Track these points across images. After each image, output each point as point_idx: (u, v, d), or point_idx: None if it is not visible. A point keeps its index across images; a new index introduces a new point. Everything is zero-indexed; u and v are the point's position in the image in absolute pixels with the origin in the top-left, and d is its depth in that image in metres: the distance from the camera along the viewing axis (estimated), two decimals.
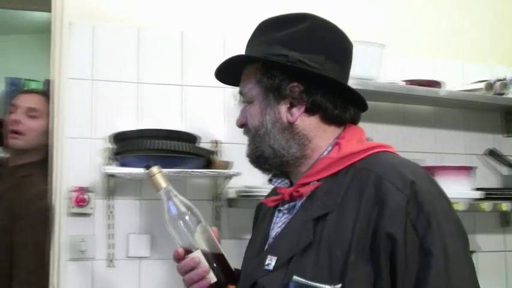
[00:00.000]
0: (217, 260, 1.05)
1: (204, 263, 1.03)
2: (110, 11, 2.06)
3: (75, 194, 1.92)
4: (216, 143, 2.07)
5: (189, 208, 1.06)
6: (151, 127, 1.97)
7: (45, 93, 2.11)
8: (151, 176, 1.07)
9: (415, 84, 2.14)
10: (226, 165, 1.90)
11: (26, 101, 2.04)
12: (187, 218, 1.05)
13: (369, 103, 2.04)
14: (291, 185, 1.06)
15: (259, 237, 1.08)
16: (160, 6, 2.13)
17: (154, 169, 1.06)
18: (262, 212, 1.16)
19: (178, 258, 1.06)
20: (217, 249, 1.07)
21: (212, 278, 1.03)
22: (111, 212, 1.98)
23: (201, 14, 2.16)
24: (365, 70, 1.97)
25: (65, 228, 1.92)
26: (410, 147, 2.31)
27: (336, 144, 1.01)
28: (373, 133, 2.22)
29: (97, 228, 1.97)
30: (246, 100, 1.07)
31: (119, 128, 1.95)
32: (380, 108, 2.31)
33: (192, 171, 1.83)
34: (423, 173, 0.96)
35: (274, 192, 1.14)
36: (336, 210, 0.92)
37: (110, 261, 1.96)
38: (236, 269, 1.11)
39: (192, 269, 1.03)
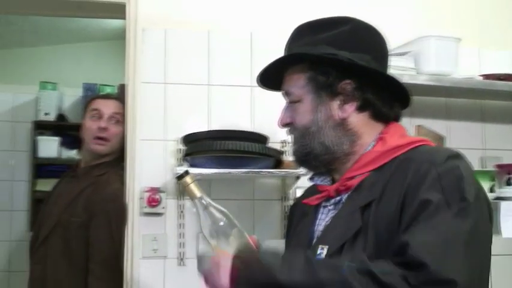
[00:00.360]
0: None
1: None
2: (181, 15, 2.13)
3: (147, 194, 1.99)
4: (285, 143, 2.07)
5: (224, 215, 1.08)
6: (221, 128, 2.01)
7: (119, 98, 2.21)
8: (185, 186, 1.08)
9: (493, 79, 2.05)
10: (295, 165, 1.89)
11: (109, 107, 2.14)
12: (222, 224, 1.06)
13: (445, 100, 1.99)
14: (333, 182, 1.09)
15: (302, 235, 1.11)
16: (230, 7, 2.17)
17: (188, 179, 1.08)
18: (301, 211, 1.18)
19: None
20: None
21: None
22: (181, 211, 2.03)
23: (270, 14, 2.18)
24: (440, 65, 1.92)
25: (137, 227, 2.00)
26: (489, 145, 2.23)
27: (380, 139, 1.05)
28: (450, 131, 2.17)
29: (168, 228, 2.03)
30: (293, 99, 1.09)
31: (190, 129, 2.00)
32: (456, 104, 2.23)
33: (261, 171, 1.84)
34: (463, 157, 1.00)
35: (312, 191, 1.16)
36: (380, 197, 0.96)
37: (181, 259, 2.02)
38: None
39: None
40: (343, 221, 1.00)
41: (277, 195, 2.10)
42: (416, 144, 1.03)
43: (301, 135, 1.08)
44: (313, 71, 1.05)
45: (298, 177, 1.92)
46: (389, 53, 1.11)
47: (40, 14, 2.72)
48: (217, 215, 1.06)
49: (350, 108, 1.04)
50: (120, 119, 2.12)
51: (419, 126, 1.96)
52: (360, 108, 1.04)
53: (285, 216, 2.07)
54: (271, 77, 1.15)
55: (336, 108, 1.04)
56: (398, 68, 1.87)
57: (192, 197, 1.08)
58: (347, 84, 1.03)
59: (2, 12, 2.64)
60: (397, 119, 1.11)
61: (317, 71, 1.05)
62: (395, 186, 0.95)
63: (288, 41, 1.13)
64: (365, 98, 1.04)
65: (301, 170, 1.87)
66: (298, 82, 1.07)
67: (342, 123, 1.04)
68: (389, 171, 0.98)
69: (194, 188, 1.08)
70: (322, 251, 0.99)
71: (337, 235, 0.99)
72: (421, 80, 1.91)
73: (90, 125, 2.11)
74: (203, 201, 1.07)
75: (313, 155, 1.06)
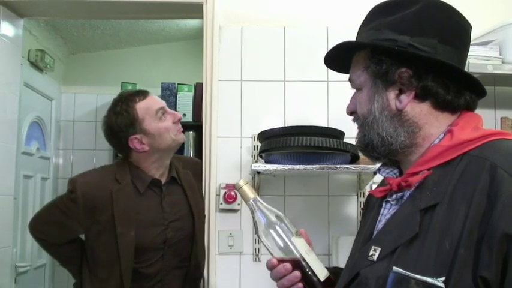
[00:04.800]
0: (310, 264, 1.10)
1: (296, 269, 1.08)
2: (257, 11, 2.24)
3: (224, 191, 2.10)
4: None
5: (278, 217, 1.12)
6: (297, 124, 2.08)
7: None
8: (238, 189, 1.14)
9: None
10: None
11: (160, 100, 2.03)
12: (277, 227, 1.09)
13: None
14: (401, 175, 1.06)
15: (366, 229, 1.08)
16: (305, 2, 2.25)
17: (241, 182, 1.14)
18: (371, 203, 1.15)
19: (272, 268, 1.11)
20: (310, 253, 1.10)
21: (307, 282, 1.09)
22: None
23: (345, 7, 2.24)
24: None
25: (214, 223, 2.11)
26: None
27: (449, 131, 0.98)
28: None
29: (244, 224, 2.13)
30: (355, 87, 1.10)
31: (266, 126, 2.09)
32: None
33: (336, 167, 1.88)
34: None
35: (384, 183, 1.14)
36: (447, 201, 0.89)
37: (256, 255, 2.10)
38: (336, 268, 1.16)
39: (284, 276, 1.08)
40: (400, 222, 0.95)
41: (353, 191, 2.14)
42: (491, 139, 0.93)
43: (361, 125, 1.06)
44: (370, 59, 1.02)
45: (374, 173, 1.93)
46: (465, 32, 1.04)
47: (122, 17, 2.93)
48: (272, 218, 1.10)
49: (407, 98, 0.99)
50: None
51: (504, 118, 1.91)
52: (419, 98, 0.99)
53: (361, 212, 2.08)
54: (344, 60, 1.14)
55: (393, 98, 1.00)
56: (482, 57, 1.85)
57: (246, 200, 1.13)
58: (403, 73, 0.99)
59: (87, 17, 2.87)
60: (471, 108, 1.03)
61: (373, 59, 1.02)
62: (466, 191, 0.87)
63: (361, 24, 1.12)
64: (424, 86, 0.98)
65: (378, 165, 1.88)
66: (358, 70, 1.06)
67: (399, 114, 1.00)
68: (458, 170, 0.91)
69: (247, 190, 1.13)
70: (375, 253, 0.95)
71: (392, 238, 0.94)
72: (507, 69, 1.88)
73: (167, 124, 1.94)
74: (257, 203, 1.12)
75: (371, 146, 1.03)
